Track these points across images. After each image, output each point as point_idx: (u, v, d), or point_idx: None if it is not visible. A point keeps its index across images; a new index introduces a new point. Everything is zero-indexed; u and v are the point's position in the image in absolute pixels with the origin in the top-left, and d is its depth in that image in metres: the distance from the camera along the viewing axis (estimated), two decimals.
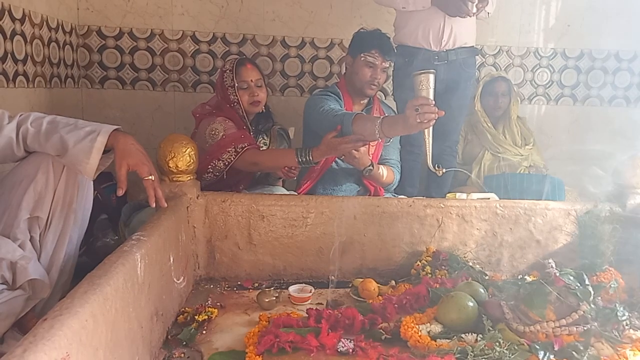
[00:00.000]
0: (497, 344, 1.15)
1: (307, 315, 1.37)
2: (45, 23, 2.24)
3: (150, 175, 1.29)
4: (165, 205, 1.37)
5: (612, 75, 3.11)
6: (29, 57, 2.10)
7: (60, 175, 1.29)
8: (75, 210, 1.33)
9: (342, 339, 1.21)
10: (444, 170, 1.63)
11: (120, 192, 1.24)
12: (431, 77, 1.48)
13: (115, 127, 1.29)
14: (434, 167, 1.61)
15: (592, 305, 1.23)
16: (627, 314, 1.28)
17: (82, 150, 1.23)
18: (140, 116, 2.72)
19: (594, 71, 3.09)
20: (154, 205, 1.32)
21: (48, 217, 1.29)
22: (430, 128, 1.52)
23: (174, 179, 1.64)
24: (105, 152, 1.26)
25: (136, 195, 2.03)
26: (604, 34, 2.97)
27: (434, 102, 1.46)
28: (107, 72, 2.69)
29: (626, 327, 1.25)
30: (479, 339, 1.20)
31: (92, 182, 1.39)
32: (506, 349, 1.12)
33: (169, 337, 1.31)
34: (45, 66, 2.25)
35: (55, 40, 2.36)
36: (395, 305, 1.44)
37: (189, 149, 1.62)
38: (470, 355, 1.10)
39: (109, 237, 1.93)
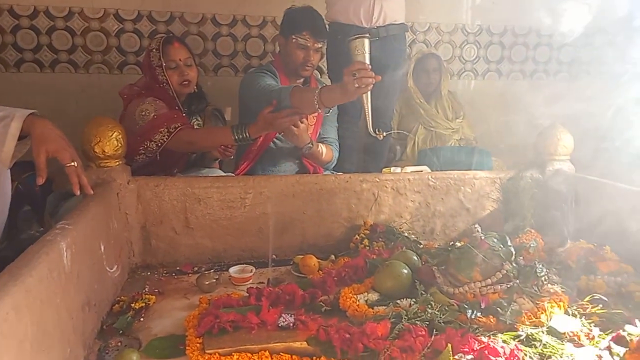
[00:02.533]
0: (429, 306, 1.21)
1: (247, 295, 1.37)
2: None
3: (73, 161, 1.23)
4: (91, 192, 1.31)
5: (533, 50, 3.28)
6: None
7: None
8: None
9: (283, 314, 1.22)
10: (384, 134, 1.66)
11: (40, 181, 1.17)
12: (366, 41, 1.49)
13: (31, 111, 1.21)
14: (375, 131, 1.64)
15: (514, 265, 1.32)
16: (545, 270, 1.38)
17: None
18: (62, 101, 2.56)
19: (516, 46, 3.25)
20: (78, 193, 1.26)
21: None
22: (369, 93, 1.54)
23: (102, 164, 1.57)
24: (21, 138, 1.18)
25: (63, 183, 1.92)
26: (526, 11, 3.12)
27: (370, 67, 1.47)
28: (22, 54, 2.50)
29: (544, 282, 1.35)
30: (412, 303, 1.25)
31: (9, 172, 1.30)
32: (437, 311, 1.19)
33: (104, 327, 1.27)
34: None
35: None
36: (335, 279, 1.47)
37: (115, 133, 1.55)
38: (405, 318, 1.15)
39: (34, 229, 1.82)
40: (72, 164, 1.23)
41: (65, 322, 1.02)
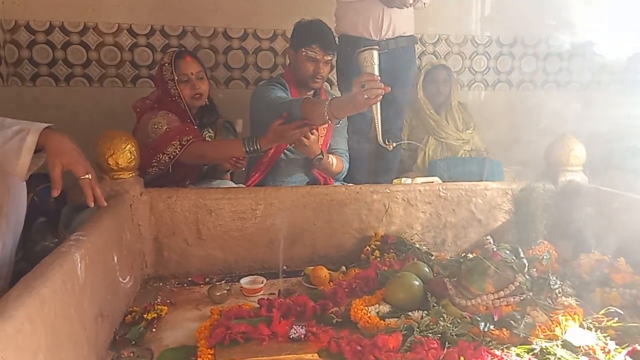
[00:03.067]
0: (442, 318, 1.20)
1: (258, 306, 1.37)
2: None
3: (87, 174, 1.24)
4: (105, 204, 1.32)
5: (543, 60, 3.27)
6: None
7: None
8: (7, 214, 1.26)
9: (294, 326, 1.22)
10: (394, 145, 1.66)
11: (55, 193, 1.19)
12: (375, 53, 1.50)
13: (46, 125, 1.23)
14: (384, 142, 1.64)
15: (527, 277, 1.31)
16: (559, 282, 1.36)
17: (11, 151, 1.16)
18: (77, 114, 2.60)
19: (526, 57, 3.24)
20: (92, 205, 1.27)
21: None
22: (378, 104, 1.54)
23: (115, 176, 1.59)
24: (37, 151, 1.20)
25: (77, 196, 1.94)
26: (534, 21, 3.13)
27: (379, 78, 1.48)
28: (38, 68, 2.55)
29: (559, 295, 1.34)
30: (424, 315, 1.24)
31: (24, 184, 1.32)
32: (450, 323, 1.17)
33: (117, 337, 1.28)
34: None
35: None
36: (346, 290, 1.47)
37: (129, 145, 1.57)
38: (417, 330, 1.14)
39: (48, 240, 1.84)
40: (87, 176, 1.24)
41: (78, 333, 1.03)
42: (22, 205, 1.33)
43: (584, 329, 1.22)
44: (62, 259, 1.01)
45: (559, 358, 1.10)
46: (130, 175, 1.62)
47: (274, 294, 1.57)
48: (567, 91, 3.32)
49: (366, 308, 1.32)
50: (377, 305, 1.34)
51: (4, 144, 1.16)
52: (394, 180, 2.09)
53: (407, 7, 2.23)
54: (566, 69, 3.31)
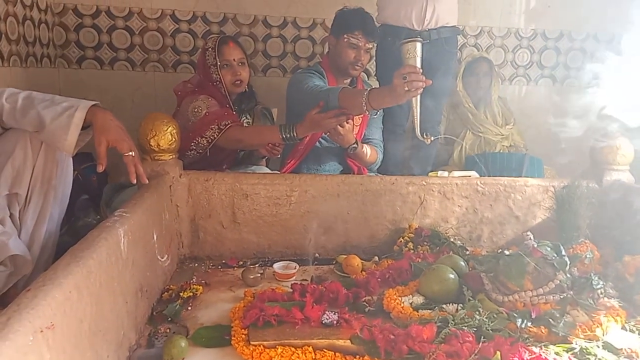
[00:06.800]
0: (477, 312, 1.18)
1: (291, 290, 1.38)
2: (19, 0, 2.17)
3: (130, 151, 1.28)
4: (146, 181, 1.35)
5: (591, 56, 3.15)
6: (3, 35, 2.04)
7: (38, 151, 1.27)
8: (55, 187, 1.31)
9: (327, 312, 1.23)
10: (432, 138, 1.63)
11: (100, 168, 1.22)
12: (418, 45, 1.48)
13: (94, 102, 1.27)
14: (422, 135, 1.62)
15: (568, 275, 1.27)
16: (601, 283, 1.32)
17: (60, 126, 1.21)
18: (119, 98, 2.66)
19: (572, 52, 3.13)
20: (134, 181, 1.30)
21: (27, 193, 1.27)
22: (418, 97, 1.52)
23: (156, 157, 1.62)
24: (84, 128, 1.24)
25: (117, 176, 2.01)
26: (583, 16, 3.01)
27: (421, 70, 1.46)
28: (84, 51, 2.62)
29: (601, 295, 1.29)
30: (459, 308, 1.23)
31: (71, 159, 1.37)
32: (486, 317, 1.15)
33: (154, 313, 1.31)
34: (20, 45, 2.19)
35: (30, 18, 2.29)
36: (379, 280, 1.46)
37: (170, 127, 1.60)
38: (451, 323, 1.13)
39: (91, 217, 1.91)
40: (130, 153, 1.28)
41: (120, 306, 1.06)
42: (69, 180, 1.38)
43: (627, 331, 1.18)
44: (107, 232, 1.04)
45: (599, 359, 1.06)
46: (171, 157, 1.65)
47: (306, 280, 1.58)
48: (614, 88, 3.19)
49: (399, 298, 1.31)
50: (410, 296, 1.33)
51: (54, 119, 1.20)
52: (430, 173, 2.06)
53: None
54: (615, 66, 3.18)
